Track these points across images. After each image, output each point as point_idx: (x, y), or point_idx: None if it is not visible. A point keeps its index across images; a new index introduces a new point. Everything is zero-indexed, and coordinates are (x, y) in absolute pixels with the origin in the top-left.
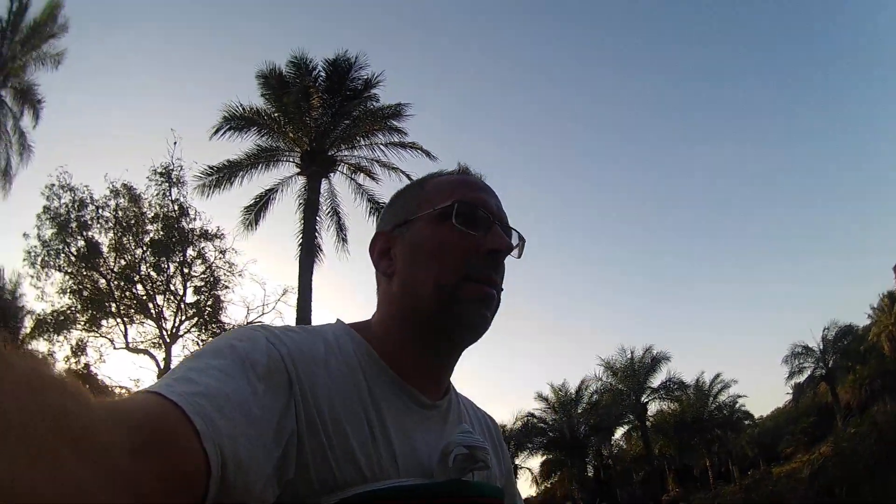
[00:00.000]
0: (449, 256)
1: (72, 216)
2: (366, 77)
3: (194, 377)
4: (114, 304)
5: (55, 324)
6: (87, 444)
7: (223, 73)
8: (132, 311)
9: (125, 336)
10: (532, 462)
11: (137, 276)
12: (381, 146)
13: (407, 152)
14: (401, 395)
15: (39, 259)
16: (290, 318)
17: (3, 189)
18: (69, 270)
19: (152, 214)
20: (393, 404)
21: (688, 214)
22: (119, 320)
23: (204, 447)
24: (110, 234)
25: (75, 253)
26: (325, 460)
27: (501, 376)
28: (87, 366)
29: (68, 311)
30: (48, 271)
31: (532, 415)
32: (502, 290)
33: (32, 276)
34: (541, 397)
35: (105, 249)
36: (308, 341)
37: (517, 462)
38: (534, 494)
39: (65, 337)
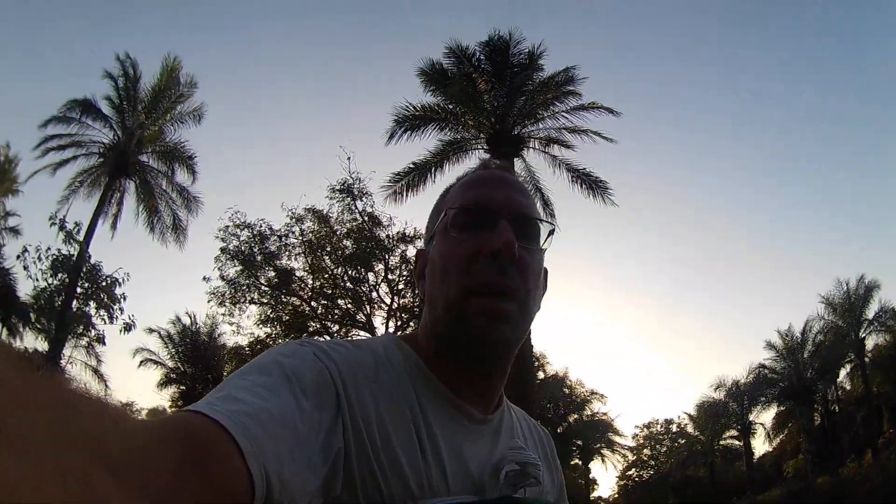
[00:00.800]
0: (452, 270)
1: (255, 250)
2: (527, 50)
3: (239, 395)
4: (317, 323)
5: (254, 354)
6: (125, 466)
7: (359, 84)
8: (336, 325)
9: None
10: (765, 416)
11: (338, 292)
12: (564, 114)
13: (590, 113)
14: (451, 409)
15: (228, 297)
16: None
17: (176, 242)
18: (264, 301)
19: (345, 231)
20: (443, 418)
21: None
22: (325, 337)
23: (248, 467)
24: (301, 259)
25: (266, 283)
26: (372, 476)
27: (734, 330)
28: None
29: (266, 339)
30: (241, 306)
31: (763, 365)
32: (526, 289)
33: (224, 314)
34: (769, 345)
35: (302, 273)
36: (357, 355)
37: (751, 418)
38: (769, 450)
39: None
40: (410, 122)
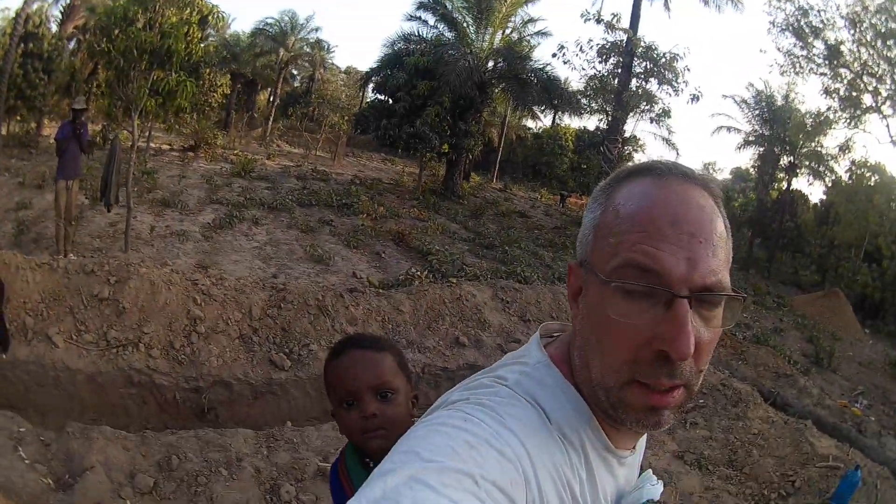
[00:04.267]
0: (613, 347)
1: (802, 23)
2: None
3: None
4: (872, 98)
5: (815, 126)
6: None
7: None
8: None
9: (888, 130)
10: None
11: (881, 67)
12: None
13: None
14: (609, 459)
15: (788, 70)
16: None
17: (734, 5)
18: (822, 72)
19: (875, 5)
20: (603, 473)
21: None
22: (880, 116)
23: None
24: (843, 32)
25: (819, 56)
26: None
27: None
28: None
29: (828, 112)
30: (803, 76)
31: None
32: (697, 371)
33: (789, 84)
34: None
35: (850, 47)
36: (532, 421)
37: None
38: None
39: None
40: None
